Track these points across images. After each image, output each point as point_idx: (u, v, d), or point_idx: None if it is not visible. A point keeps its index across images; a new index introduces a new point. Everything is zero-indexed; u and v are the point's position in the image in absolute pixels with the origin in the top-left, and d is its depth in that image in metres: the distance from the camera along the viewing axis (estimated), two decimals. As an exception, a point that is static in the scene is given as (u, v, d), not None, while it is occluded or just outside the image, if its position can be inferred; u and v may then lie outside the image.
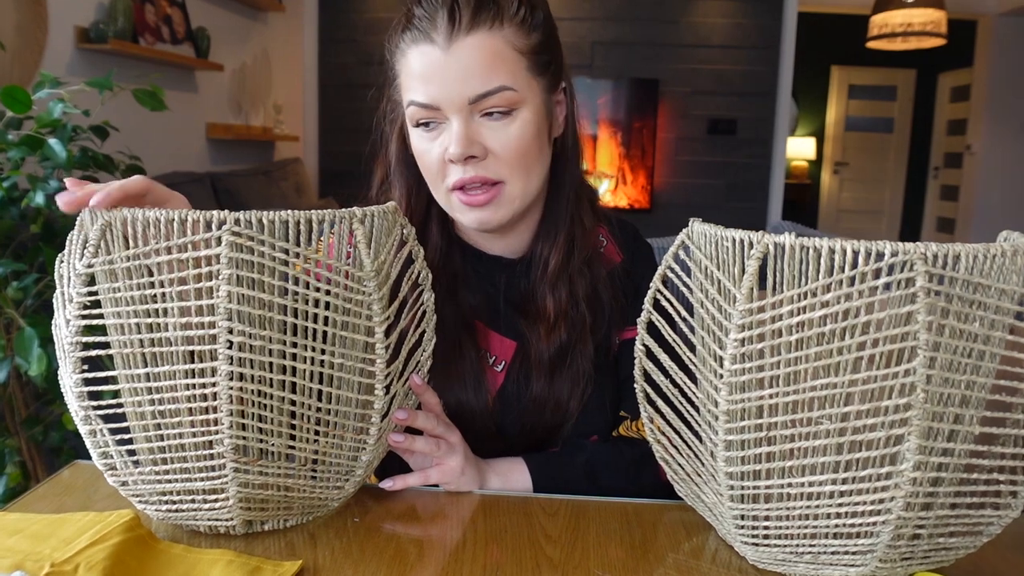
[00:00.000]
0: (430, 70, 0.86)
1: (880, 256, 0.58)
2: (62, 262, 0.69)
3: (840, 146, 8.70)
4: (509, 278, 1.01)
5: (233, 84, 4.16)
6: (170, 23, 3.34)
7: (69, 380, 0.68)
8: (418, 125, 0.90)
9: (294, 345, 0.68)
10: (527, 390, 0.97)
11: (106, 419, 0.69)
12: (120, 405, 0.69)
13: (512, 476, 0.91)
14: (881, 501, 0.62)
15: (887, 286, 0.59)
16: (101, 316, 0.67)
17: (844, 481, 0.63)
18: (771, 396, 0.63)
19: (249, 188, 3.73)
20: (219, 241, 0.63)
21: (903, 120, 8.59)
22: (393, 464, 0.92)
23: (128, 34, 2.96)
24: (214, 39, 3.75)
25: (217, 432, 0.66)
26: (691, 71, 5.05)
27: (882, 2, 4.97)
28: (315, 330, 0.69)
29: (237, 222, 0.63)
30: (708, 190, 5.18)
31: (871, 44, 5.16)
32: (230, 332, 0.63)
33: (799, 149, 8.42)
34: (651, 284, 0.76)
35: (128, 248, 0.65)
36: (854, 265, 0.59)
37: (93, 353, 0.67)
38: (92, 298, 0.66)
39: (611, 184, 5.15)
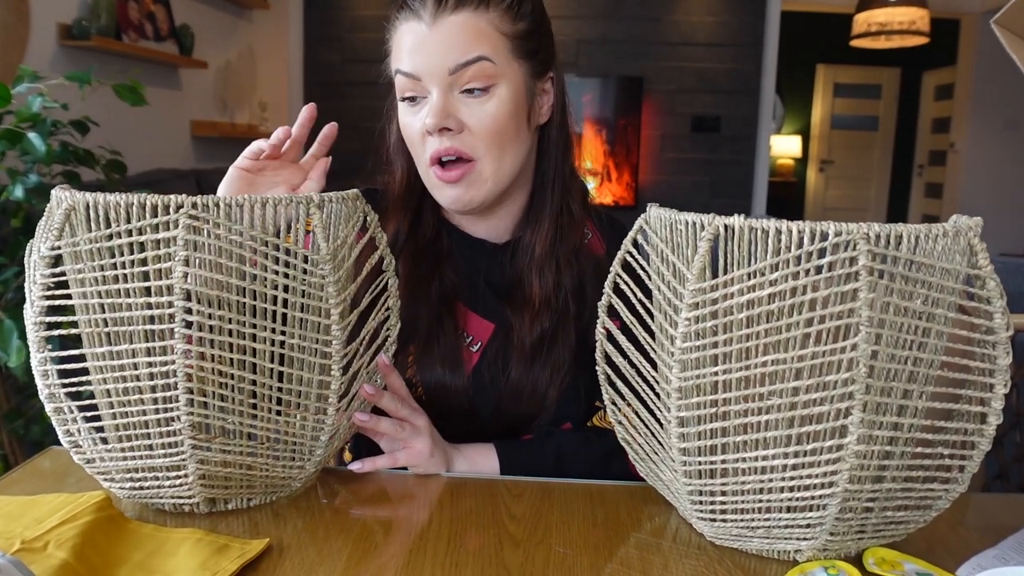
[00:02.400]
0: (415, 43, 0.91)
1: (824, 236, 0.60)
2: (31, 249, 0.70)
3: (826, 144, 8.74)
4: (491, 261, 1.02)
5: (218, 81, 4.15)
6: (153, 20, 3.33)
7: (35, 359, 0.70)
8: (404, 99, 0.95)
9: (253, 326, 0.70)
10: (505, 375, 0.98)
11: (71, 397, 0.71)
12: (85, 383, 0.71)
13: (480, 461, 0.93)
14: (829, 474, 0.64)
15: (831, 265, 0.60)
16: (67, 297, 0.68)
17: (795, 455, 0.64)
18: (723, 372, 0.65)
19: (234, 185, 3.73)
20: (176, 224, 0.65)
21: (888, 118, 8.64)
22: (362, 450, 0.94)
23: (111, 31, 2.96)
24: (198, 36, 3.75)
25: (176, 409, 0.68)
26: (675, 69, 5.07)
27: (865, 1, 5.00)
28: (274, 311, 0.71)
29: (194, 205, 0.65)
30: (693, 187, 5.20)
31: (855, 42, 5.19)
32: (187, 312, 0.65)
33: (785, 147, 8.45)
34: (611, 268, 0.78)
35: (91, 231, 0.66)
36: (800, 245, 0.61)
37: (57, 333, 0.69)
38: (57, 279, 0.68)
39: (596, 181, 5.16)
